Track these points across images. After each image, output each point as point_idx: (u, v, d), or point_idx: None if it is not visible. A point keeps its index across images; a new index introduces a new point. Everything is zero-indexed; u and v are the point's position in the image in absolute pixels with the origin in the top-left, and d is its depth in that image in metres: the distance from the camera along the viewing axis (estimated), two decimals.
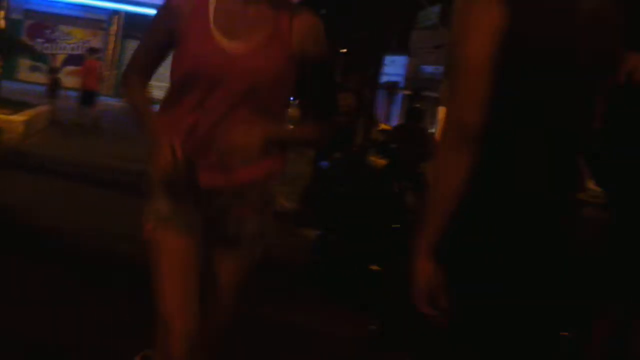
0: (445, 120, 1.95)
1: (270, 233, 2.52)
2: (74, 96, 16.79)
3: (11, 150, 10.53)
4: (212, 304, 2.47)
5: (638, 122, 2.99)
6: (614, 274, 3.12)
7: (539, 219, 1.96)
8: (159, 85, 2.64)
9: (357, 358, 4.37)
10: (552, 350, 2.11)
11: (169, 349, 2.34)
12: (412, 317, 1.99)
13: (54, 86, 16.95)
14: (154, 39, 2.48)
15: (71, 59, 27.20)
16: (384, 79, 27.53)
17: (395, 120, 21.26)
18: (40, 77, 21.67)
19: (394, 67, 26.47)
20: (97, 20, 29.21)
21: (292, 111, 2.63)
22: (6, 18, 15.72)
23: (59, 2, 28.45)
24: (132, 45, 28.47)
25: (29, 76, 25.70)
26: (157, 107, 2.46)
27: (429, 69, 25.23)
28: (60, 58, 27.93)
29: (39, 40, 28.33)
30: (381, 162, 7.13)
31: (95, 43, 27.05)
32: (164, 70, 2.44)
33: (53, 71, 18.38)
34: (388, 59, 27.27)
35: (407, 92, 22.72)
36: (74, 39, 29.10)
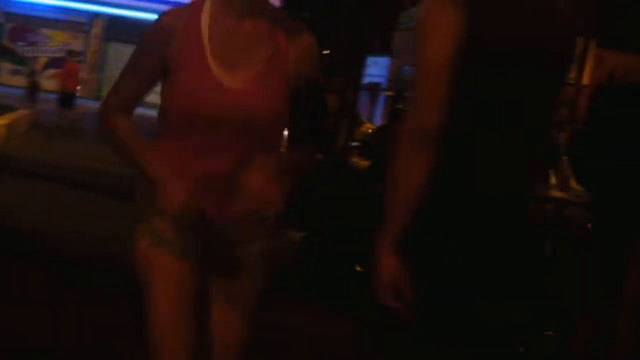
0: (405, 121, 1.97)
1: (272, 257, 2.43)
2: (53, 99, 16.73)
3: None
4: (220, 340, 2.39)
5: (619, 123, 3.00)
6: (596, 274, 3.14)
7: (497, 219, 1.99)
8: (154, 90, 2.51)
9: (342, 358, 4.37)
10: (507, 348, 2.14)
11: None
12: (386, 316, 2.01)
13: (33, 89, 16.88)
14: (142, 67, 2.23)
15: (52, 62, 27.09)
16: (367, 80, 27.49)
17: (378, 122, 21.24)
18: (22, 81, 21.57)
19: (376, 68, 26.43)
20: (78, 23, 29.09)
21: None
22: None
23: (40, 5, 28.31)
24: (114, 47, 28.41)
25: (10, 80, 25.61)
26: (150, 110, 2.29)
27: (411, 70, 25.17)
28: (41, 61, 27.81)
29: (20, 43, 28.22)
30: (364, 163, 7.14)
31: (77, 46, 26.95)
32: None
33: (32, 74, 18.31)
34: (370, 60, 27.24)
35: (389, 94, 22.71)
36: (55, 42, 28.99)
